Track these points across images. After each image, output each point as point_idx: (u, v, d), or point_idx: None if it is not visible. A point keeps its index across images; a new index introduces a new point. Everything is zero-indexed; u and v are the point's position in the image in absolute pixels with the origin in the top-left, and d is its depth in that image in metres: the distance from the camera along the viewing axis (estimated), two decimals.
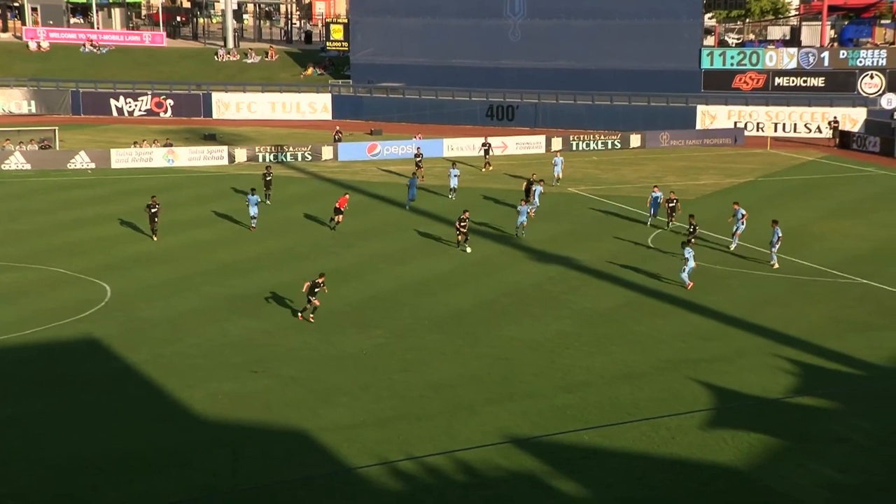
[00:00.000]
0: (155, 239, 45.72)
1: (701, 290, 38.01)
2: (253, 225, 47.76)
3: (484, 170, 63.82)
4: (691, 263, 37.84)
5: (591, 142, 73.93)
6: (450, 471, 24.05)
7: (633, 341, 32.88)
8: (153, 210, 45.88)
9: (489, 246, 44.62)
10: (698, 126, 79.42)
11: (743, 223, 43.48)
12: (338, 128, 76.28)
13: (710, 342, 32.64)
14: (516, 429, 26.17)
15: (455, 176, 54.82)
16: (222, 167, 66.75)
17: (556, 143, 73.16)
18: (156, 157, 67.30)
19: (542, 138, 73.87)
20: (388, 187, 59.60)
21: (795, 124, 78.45)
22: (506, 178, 61.47)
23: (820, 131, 77.18)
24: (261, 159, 67.88)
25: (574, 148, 73.05)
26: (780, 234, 40.64)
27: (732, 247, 43.57)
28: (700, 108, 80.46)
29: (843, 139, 73.67)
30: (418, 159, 61.12)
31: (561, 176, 58.15)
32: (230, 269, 41.59)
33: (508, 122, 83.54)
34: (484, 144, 67.00)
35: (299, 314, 34.79)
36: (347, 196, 49.57)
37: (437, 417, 27.09)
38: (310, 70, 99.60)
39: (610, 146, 73.94)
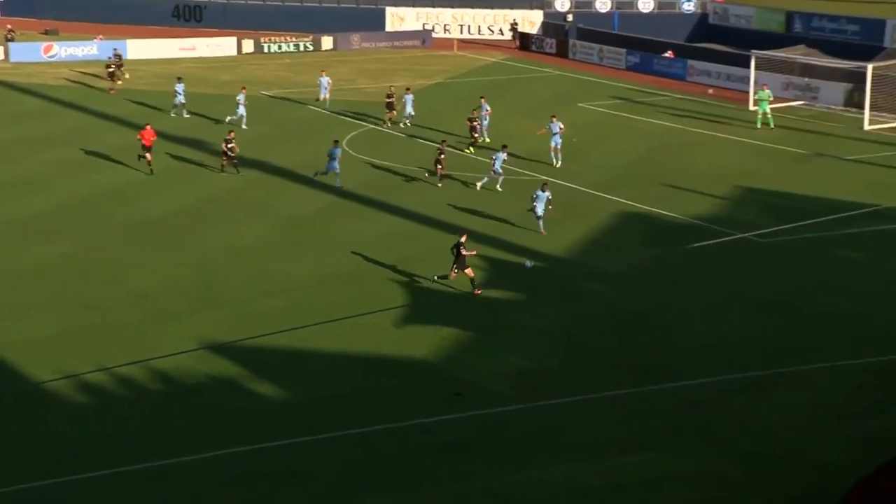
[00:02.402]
0: None
1: (400, 192, 38.92)
2: None
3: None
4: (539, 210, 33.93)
5: (283, 44, 73.07)
6: (145, 380, 23.77)
7: (333, 244, 33.36)
8: None
9: (185, 151, 43.56)
10: (388, 28, 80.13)
11: (560, 137, 41.88)
12: (9, 26, 71.12)
13: (408, 242, 33.62)
14: (217, 335, 26.11)
15: (181, 93, 50.45)
16: None
17: (248, 45, 71.78)
18: None
19: (232, 40, 72.16)
20: (69, 91, 56.67)
21: (479, 26, 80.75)
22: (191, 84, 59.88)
23: (502, 33, 79.92)
24: None
25: (266, 51, 71.94)
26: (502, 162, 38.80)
27: (557, 164, 42.17)
28: (389, 10, 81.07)
29: (523, 41, 76.67)
30: (111, 69, 56.80)
31: (413, 114, 49.46)
32: None
33: (196, 23, 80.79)
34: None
35: (434, 277, 29.41)
36: (150, 128, 40.93)
37: (133, 328, 26.58)
38: None
39: (302, 48, 73.35)
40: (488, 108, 46.88)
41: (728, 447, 20.92)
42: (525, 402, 22.95)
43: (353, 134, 48.24)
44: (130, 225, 34.76)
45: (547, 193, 33.94)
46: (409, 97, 49.40)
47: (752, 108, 51.79)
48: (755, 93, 51.51)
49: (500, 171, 38.74)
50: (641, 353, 25.64)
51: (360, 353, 25.49)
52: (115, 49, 61.04)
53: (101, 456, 20.52)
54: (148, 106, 52.85)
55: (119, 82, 56.64)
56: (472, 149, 44.79)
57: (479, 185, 39.01)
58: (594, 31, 73.71)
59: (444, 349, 25.65)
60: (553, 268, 31.65)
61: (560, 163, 42.43)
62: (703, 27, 77.16)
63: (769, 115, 49.47)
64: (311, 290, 29.47)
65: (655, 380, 23.97)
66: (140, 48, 68.24)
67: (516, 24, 78.47)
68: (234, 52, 71.20)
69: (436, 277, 29.37)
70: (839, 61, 52.79)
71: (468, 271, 28.78)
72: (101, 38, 68.95)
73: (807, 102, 54.97)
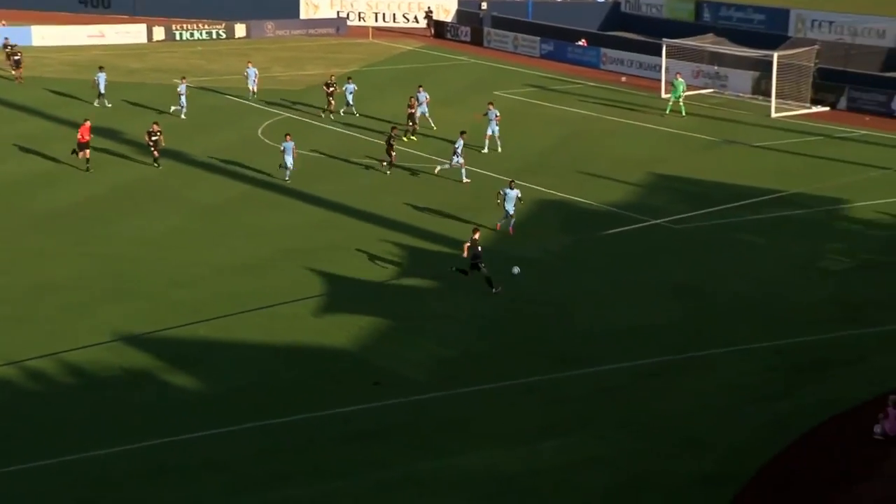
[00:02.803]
0: None
1: (317, 180, 38.69)
2: None
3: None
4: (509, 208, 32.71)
5: (195, 31, 72.11)
6: (56, 374, 23.36)
7: (250, 233, 33.12)
8: None
9: (96, 140, 42.75)
10: (302, 16, 79.55)
11: (496, 125, 42.63)
12: None
13: (325, 231, 33.50)
14: (132, 327, 25.76)
15: (104, 79, 49.44)
16: None
17: (159, 33, 70.69)
18: None
19: (142, 27, 71.03)
20: None
21: (394, 14, 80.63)
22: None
23: (417, 21, 79.90)
24: None
25: (177, 38, 70.97)
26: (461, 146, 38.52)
27: (484, 150, 42.59)
28: None
29: (438, 29, 76.78)
30: (17, 57, 54.35)
31: (352, 103, 48.78)
32: None
33: (105, 10, 79.24)
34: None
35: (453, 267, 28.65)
36: (88, 123, 39.41)
37: (43, 321, 26.11)
38: None
39: (215, 36, 72.51)
40: (427, 96, 46.90)
41: (643, 430, 21.29)
42: (444, 390, 23.07)
43: (268, 122, 47.86)
44: (39, 215, 34.10)
45: (516, 192, 32.73)
46: (351, 86, 48.99)
47: (664, 95, 52.58)
48: (671, 81, 52.30)
49: (462, 159, 38.30)
50: (558, 339, 25.93)
51: (278, 342, 25.36)
52: (6, 38, 59.31)
53: (9, 451, 20.12)
54: (56, 93, 51.83)
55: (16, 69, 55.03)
56: (411, 137, 44.76)
57: (437, 168, 38.96)
58: (508, 19, 74.09)
59: (363, 338, 25.65)
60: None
61: (488, 150, 42.61)
62: (615, 16, 78.10)
63: (681, 104, 50.34)
64: (228, 280, 29.22)
65: (572, 366, 24.28)
66: (46, 35, 66.74)
67: (431, 12, 78.50)
68: (144, 40, 70.07)
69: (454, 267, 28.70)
70: (746, 50, 53.85)
71: (484, 267, 28.03)
72: (3, 24, 67.26)
73: (716, 90, 56.03)
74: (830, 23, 61.82)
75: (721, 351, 25.16)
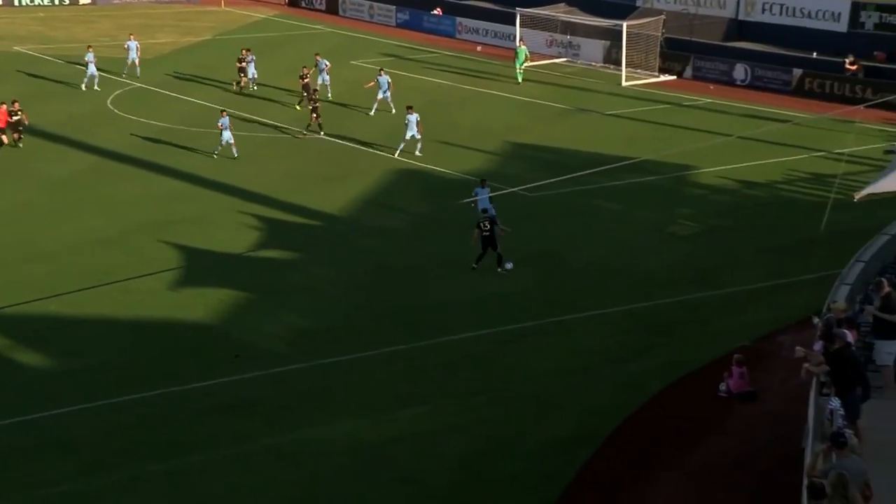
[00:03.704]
0: None
1: (168, 153, 37.93)
2: None
3: None
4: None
5: None
6: None
7: (102, 206, 32.38)
8: None
9: None
10: None
11: (389, 92, 43.38)
12: None
13: (181, 203, 32.93)
14: None
15: None
16: None
17: None
18: None
19: None
20: None
21: None
22: None
23: None
24: None
25: (16, 3, 68.31)
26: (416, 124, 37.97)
27: (372, 113, 43.25)
28: None
29: None
30: None
31: (256, 76, 48.17)
32: None
33: None
34: None
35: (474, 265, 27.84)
36: (5, 107, 37.90)
37: None
38: None
39: (58, 2, 70.04)
40: (327, 63, 46.44)
41: (500, 396, 21.70)
42: (304, 362, 23.04)
43: (118, 92, 46.62)
44: None
45: (487, 190, 30.50)
46: (251, 57, 48.10)
47: (519, 67, 53.28)
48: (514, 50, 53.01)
49: (418, 135, 37.88)
50: (417, 307, 26.14)
51: (133, 317, 24.91)
52: None
53: None
54: None
55: None
56: (296, 106, 44.29)
57: (396, 153, 38.23)
58: None
59: (222, 311, 25.39)
60: (328, 226, 31.76)
61: (374, 112, 43.18)
62: None
63: (521, 71, 51.33)
64: (80, 254, 28.52)
65: (432, 334, 24.51)
66: None
67: None
68: None
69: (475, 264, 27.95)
70: (597, 19, 54.77)
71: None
72: None
73: (569, 59, 56.95)
74: None
75: (577, 316, 25.77)
